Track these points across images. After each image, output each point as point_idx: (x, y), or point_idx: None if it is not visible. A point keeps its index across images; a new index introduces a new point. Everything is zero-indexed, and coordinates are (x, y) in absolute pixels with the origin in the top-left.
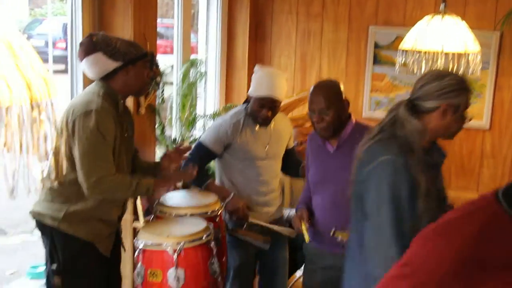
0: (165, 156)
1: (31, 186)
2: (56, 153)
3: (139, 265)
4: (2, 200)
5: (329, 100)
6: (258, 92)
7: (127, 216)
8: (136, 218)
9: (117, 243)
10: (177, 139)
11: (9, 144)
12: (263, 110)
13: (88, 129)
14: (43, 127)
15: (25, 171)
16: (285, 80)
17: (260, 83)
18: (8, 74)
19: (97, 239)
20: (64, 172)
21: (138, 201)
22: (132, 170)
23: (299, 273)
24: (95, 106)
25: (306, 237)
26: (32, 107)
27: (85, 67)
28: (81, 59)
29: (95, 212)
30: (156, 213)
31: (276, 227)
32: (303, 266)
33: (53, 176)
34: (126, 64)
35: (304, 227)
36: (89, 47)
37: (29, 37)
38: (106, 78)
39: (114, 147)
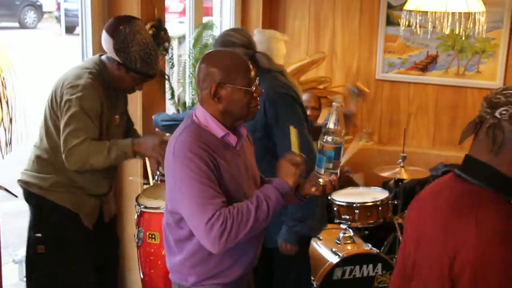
0: None
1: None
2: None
3: (139, 227)
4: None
5: None
6: None
7: (138, 179)
8: (146, 181)
9: (102, 216)
10: (188, 102)
11: None
12: None
13: (71, 102)
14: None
15: None
16: None
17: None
18: None
19: (82, 211)
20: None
21: (148, 165)
22: None
23: None
24: (83, 82)
25: None
26: None
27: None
28: (103, 28)
29: (83, 183)
30: (158, 179)
31: None
32: None
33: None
34: (121, 64)
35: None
36: (110, 29)
37: None
38: (107, 59)
39: (101, 126)
